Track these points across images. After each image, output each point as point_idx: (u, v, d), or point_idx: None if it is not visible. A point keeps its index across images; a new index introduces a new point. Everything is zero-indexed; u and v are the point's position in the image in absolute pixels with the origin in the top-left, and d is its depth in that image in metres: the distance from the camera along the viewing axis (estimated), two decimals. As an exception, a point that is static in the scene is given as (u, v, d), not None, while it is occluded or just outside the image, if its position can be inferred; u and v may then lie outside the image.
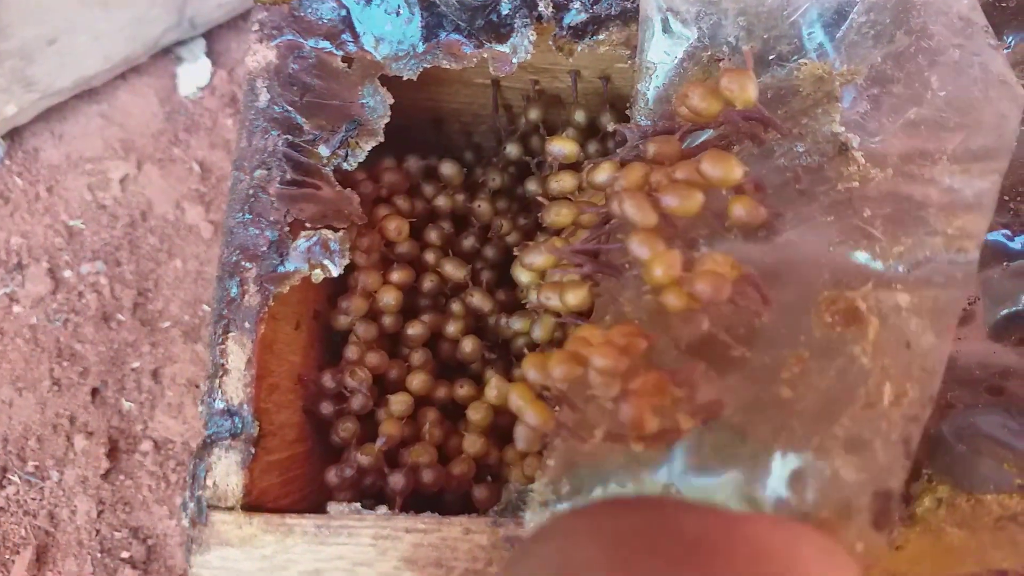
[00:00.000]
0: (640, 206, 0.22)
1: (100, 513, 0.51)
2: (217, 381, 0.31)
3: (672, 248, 0.22)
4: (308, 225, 0.33)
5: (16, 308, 0.56)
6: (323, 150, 0.33)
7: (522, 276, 0.33)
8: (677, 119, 0.26)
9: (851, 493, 0.22)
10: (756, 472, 0.23)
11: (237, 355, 0.31)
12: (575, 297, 0.24)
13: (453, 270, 0.38)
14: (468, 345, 0.37)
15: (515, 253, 0.37)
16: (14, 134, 0.60)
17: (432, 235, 0.39)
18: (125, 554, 0.51)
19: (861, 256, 0.24)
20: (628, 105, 0.34)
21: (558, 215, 0.27)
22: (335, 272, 0.32)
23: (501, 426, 0.35)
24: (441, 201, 0.40)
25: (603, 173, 0.25)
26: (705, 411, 0.22)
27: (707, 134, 0.27)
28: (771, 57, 0.29)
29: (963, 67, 0.26)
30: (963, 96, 0.26)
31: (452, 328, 0.37)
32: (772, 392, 0.23)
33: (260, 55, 0.35)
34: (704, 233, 0.25)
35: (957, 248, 0.24)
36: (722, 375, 0.23)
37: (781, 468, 0.22)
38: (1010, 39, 0.34)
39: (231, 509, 0.30)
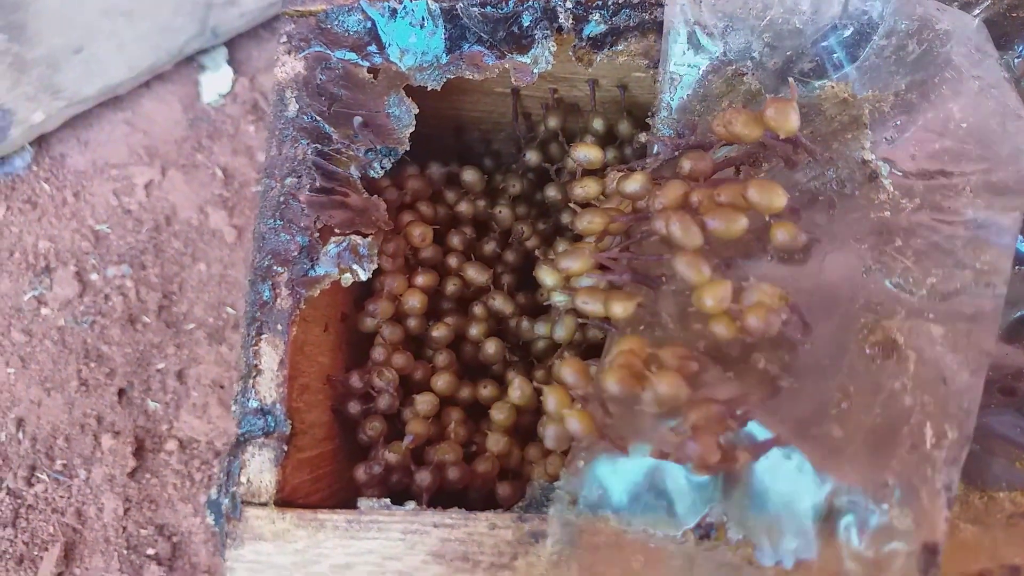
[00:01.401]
0: (686, 227, 0.23)
1: (126, 511, 0.53)
2: (251, 381, 0.32)
3: (716, 271, 0.23)
4: (337, 231, 0.34)
5: (44, 310, 0.57)
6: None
7: (547, 279, 0.34)
8: (708, 133, 0.27)
9: (901, 543, 0.23)
10: (810, 508, 0.24)
11: (270, 356, 0.32)
12: (623, 309, 0.25)
13: (475, 274, 0.39)
14: (491, 347, 0.38)
15: (537, 256, 0.38)
16: (41, 141, 0.61)
17: (455, 240, 0.40)
18: (151, 551, 0.52)
19: (894, 284, 0.25)
20: (650, 113, 0.35)
21: (591, 223, 0.27)
22: (364, 276, 0.33)
23: (523, 425, 0.36)
24: (463, 207, 0.41)
25: (634, 183, 0.26)
26: (761, 448, 0.23)
27: (734, 146, 0.28)
28: (794, 74, 0.30)
29: (982, 99, 0.27)
30: (983, 127, 0.27)
31: (475, 330, 0.38)
32: (824, 429, 0.24)
33: (288, 66, 0.36)
34: (740, 252, 0.26)
35: (986, 283, 0.25)
36: (772, 405, 0.24)
37: (837, 512, 0.24)
38: (1021, 48, 0.35)
39: (264, 505, 0.31)
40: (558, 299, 0.35)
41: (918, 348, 0.24)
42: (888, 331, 0.24)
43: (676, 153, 0.29)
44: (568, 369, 0.25)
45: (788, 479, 0.24)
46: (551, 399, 0.24)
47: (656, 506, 0.25)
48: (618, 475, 0.26)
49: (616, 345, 0.24)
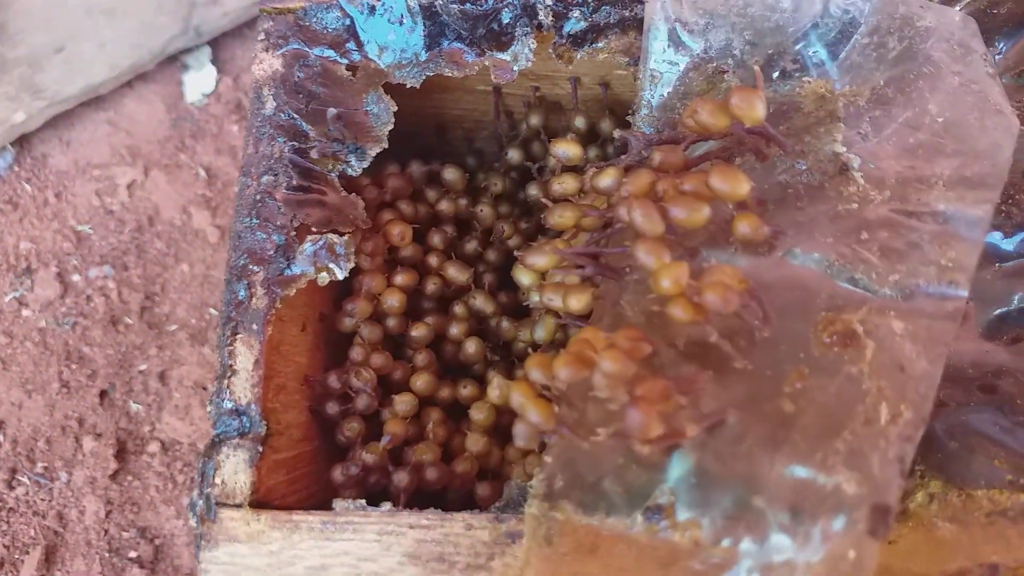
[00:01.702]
0: (648, 214, 0.23)
1: (108, 513, 0.52)
2: (226, 381, 0.32)
3: (677, 257, 0.23)
4: (314, 229, 0.33)
5: (25, 312, 0.56)
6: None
7: (523, 278, 0.34)
8: (681, 129, 0.27)
9: (850, 505, 0.23)
10: (758, 482, 0.23)
11: (245, 356, 0.32)
12: (578, 301, 0.25)
13: (456, 273, 0.38)
14: (471, 346, 0.38)
15: (516, 255, 0.38)
16: (23, 141, 0.61)
17: (435, 239, 0.39)
18: (133, 554, 0.51)
19: (857, 280, 0.25)
20: (630, 111, 0.35)
21: (561, 217, 0.27)
22: (341, 275, 0.33)
23: (503, 426, 0.36)
24: (444, 206, 0.40)
25: (607, 178, 0.26)
26: (709, 419, 0.23)
27: (709, 144, 0.28)
28: (775, 73, 0.30)
29: (961, 94, 0.27)
30: (960, 122, 0.27)
31: (455, 330, 0.38)
32: (775, 405, 0.24)
33: (266, 64, 0.36)
34: (705, 243, 0.26)
35: (949, 280, 0.25)
36: (724, 384, 0.24)
37: (784, 479, 0.23)
38: (1001, 45, 0.35)
39: (239, 506, 0.30)
40: (536, 299, 0.35)
41: (877, 339, 0.24)
42: (848, 323, 0.24)
43: (649, 148, 0.28)
44: (531, 364, 0.25)
45: (736, 455, 0.24)
46: (515, 393, 0.24)
47: (613, 493, 0.25)
48: (579, 465, 0.26)
49: (573, 337, 0.24)
